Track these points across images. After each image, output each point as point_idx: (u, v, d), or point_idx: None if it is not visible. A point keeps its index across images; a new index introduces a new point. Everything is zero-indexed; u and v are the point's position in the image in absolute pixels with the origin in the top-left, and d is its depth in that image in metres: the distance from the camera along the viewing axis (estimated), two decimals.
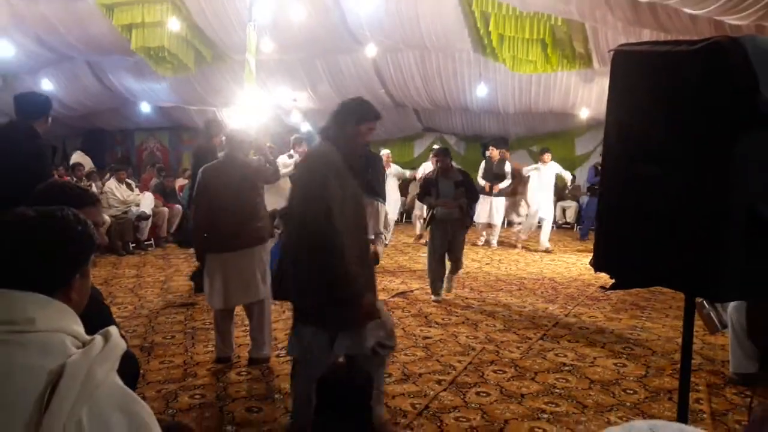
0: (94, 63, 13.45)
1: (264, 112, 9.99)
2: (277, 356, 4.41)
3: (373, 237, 4.76)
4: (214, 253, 4.15)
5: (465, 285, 7.08)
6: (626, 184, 2.02)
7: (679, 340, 4.85)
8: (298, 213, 2.64)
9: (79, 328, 1.24)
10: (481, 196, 9.21)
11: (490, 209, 9.80)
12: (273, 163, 4.96)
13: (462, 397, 3.76)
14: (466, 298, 6.41)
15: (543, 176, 9.83)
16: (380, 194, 8.17)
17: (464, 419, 3.43)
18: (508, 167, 9.86)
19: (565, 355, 4.57)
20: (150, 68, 12.38)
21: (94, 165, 13.27)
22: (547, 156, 9.72)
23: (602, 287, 6.81)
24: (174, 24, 9.70)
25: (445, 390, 3.85)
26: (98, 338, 1.19)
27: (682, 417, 2.18)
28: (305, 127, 14.45)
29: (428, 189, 6.38)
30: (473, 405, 3.64)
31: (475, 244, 10.12)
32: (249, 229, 4.14)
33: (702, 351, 4.66)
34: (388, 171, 8.92)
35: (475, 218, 9.11)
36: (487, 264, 8.63)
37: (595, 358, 4.51)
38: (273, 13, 9.31)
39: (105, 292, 6.21)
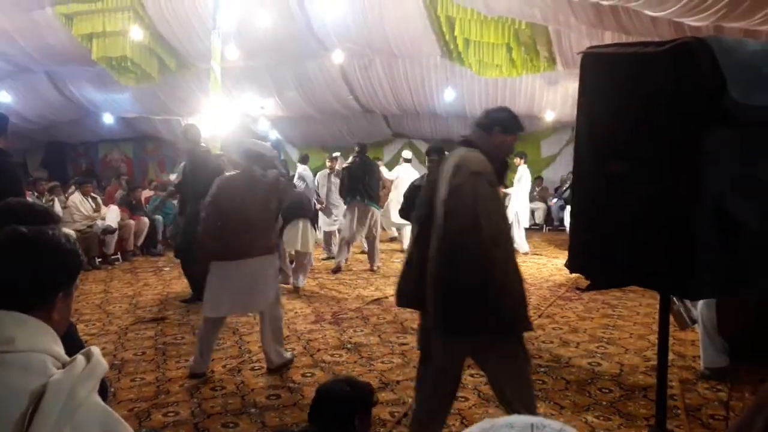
0: (54, 74, 13.12)
1: (230, 120, 9.87)
2: (252, 369, 4.33)
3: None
4: (221, 261, 4.13)
5: None
6: (598, 184, 2.03)
7: (651, 338, 4.96)
8: (466, 218, 2.33)
9: (59, 348, 1.23)
10: None
11: None
12: (286, 176, 4.98)
13: None
14: None
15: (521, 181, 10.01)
16: (376, 200, 8.18)
17: (444, 425, 3.41)
18: None
19: (540, 356, 4.60)
20: (112, 78, 12.13)
21: (57, 179, 12.95)
22: (517, 160, 9.80)
23: (578, 288, 6.88)
24: (136, 33, 9.54)
25: None
26: (80, 357, 1.18)
27: (660, 413, 2.19)
28: (273, 134, 14.34)
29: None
30: (452, 411, 3.61)
31: None
32: (258, 240, 4.16)
33: (673, 347, 4.72)
34: None
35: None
36: None
37: (569, 359, 4.55)
38: (237, 20, 9.22)
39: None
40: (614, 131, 1.99)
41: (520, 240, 9.89)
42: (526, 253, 9.68)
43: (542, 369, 4.32)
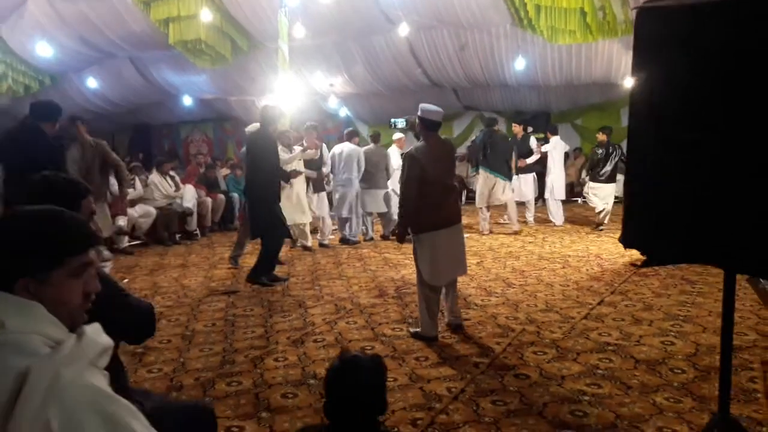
0: (137, 59, 13.73)
1: (300, 98, 9.99)
2: (314, 341, 4.41)
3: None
4: (439, 230, 4.30)
5: (506, 265, 6.94)
6: (657, 154, 1.88)
7: (734, 315, 4.63)
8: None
9: (56, 328, 1.22)
10: None
11: (519, 186, 9.64)
12: None
13: (500, 380, 3.67)
14: (507, 279, 6.27)
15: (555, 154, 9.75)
16: (500, 171, 9.15)
17: (501, 403, 3.35)
18: (533, 143, 9.70)
19: (609, 334, 4.41)
20: (189, 61, 12.54)
21: (143, 159, 13.64)
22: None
23: (633, 264, 6.56)
24: (206, 15, 9.76)
25: (482, 373, 3.77)
26: (70, 339, 1.17)
27: (724, 397, 2.04)
28: (343, 112, 14.43)
29: None
30: (512, 388, 3.54)
31: (498, 223, 10.03)
32: (457, 205, 4.55)
33: (757, 327, 4.42)
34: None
35: (500, 197, 8.96)
36: (530, 242, 8.44)
37: (641, 337, 4.34)
38: None
39: (149, 282, 6.38)
40: (674, 93, 1.82)
41: (555, 211, 9.64)
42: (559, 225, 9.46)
43: (610, 347, 4.15)
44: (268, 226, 6.06)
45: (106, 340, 1.24)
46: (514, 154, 9.45)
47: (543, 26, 9.46)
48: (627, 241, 2.00)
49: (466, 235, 5.36)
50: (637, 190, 1.97)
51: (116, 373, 2.00)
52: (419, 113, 4.40)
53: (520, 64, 10.67)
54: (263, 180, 6.03)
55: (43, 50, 11.03)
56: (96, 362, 1.20)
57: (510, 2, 9.51)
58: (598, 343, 4.25)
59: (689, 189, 1.77)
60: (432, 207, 4.27)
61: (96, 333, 1.22)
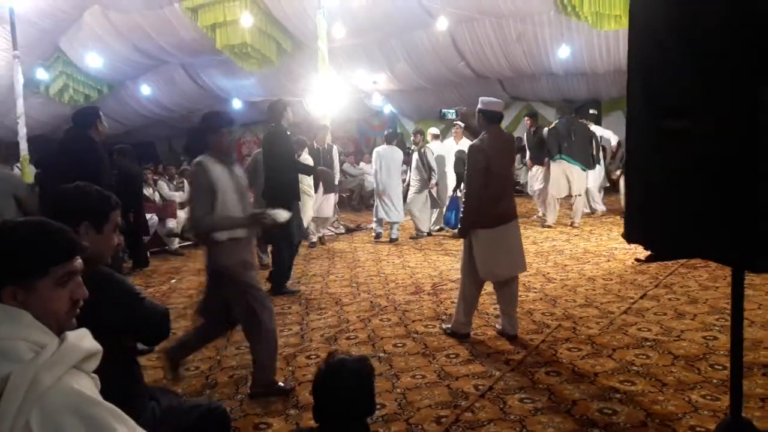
0: (188, 65, 14.19)
1: (342, 96, 10.09)
2: (347, 339, 4.46)
3: None
4: (498, 226, 4.23)
5: (549, 259, 6.80)
6: (653, 143, 1.81)
7: None
8: None
9: (43, 335, 1.27)
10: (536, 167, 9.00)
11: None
12: None
13: (530, 377, 3.61)
14: (548, 273, 6.15)
15: None
16: (579, 160, 8.93)
17: (529, 400, 3.30)
18: (613, 139, 9.51)
19: (649, 329, 4.27)
20: (237, 65, 12.86)
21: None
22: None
23: (638, 259, 6.29)
24: (247, 19, 10.00)
25: (512, 370, 3.72)
26: (52, 343, 1.22)
27: (736, 400, 1.95)
28: (387, 109, 14.46)
29: None
30: (541, 385, 3.48)
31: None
32: (514, 199, 4.47)
33: None
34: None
35: (578, 187, 8.74)
36: (576, 235, 8.23)
37: (682, 332, 4.18)
38: None
39: (196, 282, 6.57)
40: (669, 80, 1.75)
41: (598, 199, 9.70)
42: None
43: (648, 343, 4.01)
44: (283, 233, 5.66)
45: (91, 345, 1.29)
46: (594, 142, 9.07)
47: (587, 12, 9.20)
48: (629, 235, 1.94)
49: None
50: (636, 183, 1.90)
51: (130, 373, 2.09)
52: (480, 106, 4.29)
53: (564, 51, 10.41)
54: (283, 180, 5.77)
55: (94, 61, 11.53)
56: (81, 366, 1.25)
57: None
58: (636, 338, 4.12)
59: (683, 182, 1.70)
60: (493, 200, 4.17)
61: (79, 338, 1.27)
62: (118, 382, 1.89)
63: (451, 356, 4.01)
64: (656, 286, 5.34)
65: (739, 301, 1.88)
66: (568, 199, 9.16)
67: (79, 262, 1.40)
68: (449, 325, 4.46)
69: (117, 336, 1.94)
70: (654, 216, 1.87)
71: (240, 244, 3.45)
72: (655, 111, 1.80)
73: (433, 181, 8.50)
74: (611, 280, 5.73)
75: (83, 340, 1.28)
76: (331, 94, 9.09)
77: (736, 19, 1.54)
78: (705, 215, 1.72)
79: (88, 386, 1.25)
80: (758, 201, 1.52)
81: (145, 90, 14.11)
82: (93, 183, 3.14)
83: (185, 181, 8.94)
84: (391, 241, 8.45)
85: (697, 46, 1.66)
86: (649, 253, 5.81)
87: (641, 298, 5.03)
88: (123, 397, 1.74)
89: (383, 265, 6.99)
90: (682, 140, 1.74)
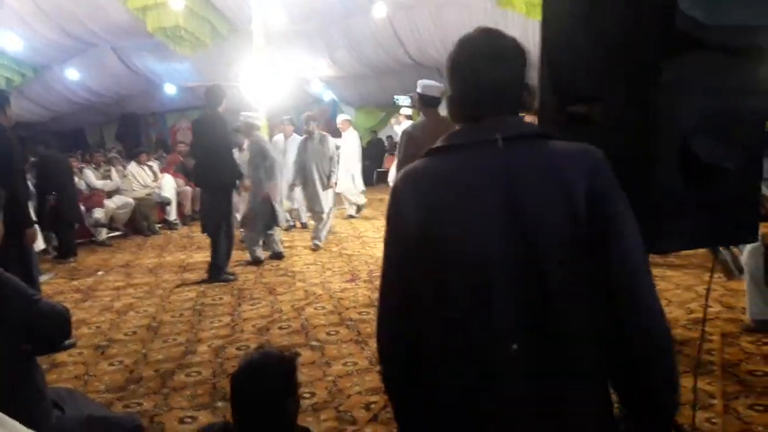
0: (119, 48, 13.58)
1: (280, 82, 9.89)
2: (279, 329, 4.39)
3: None
4: None
5: None
6: (562, 129, 1.83)
7: (699, 289, 4.63)
8: None
9: None
10: None
11: None
12: None
13: None
14: None
15: None
16: None
17: None
18: None
19: None
20: (170, 49, 12.40)
21: (130, 149, 13.55)
22: None
23: None
24: (179, 2, 9.64)
25: None
26: None
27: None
28: (327, 95, 14.32)
29: None
30: None
31: None
32: None
33: (722, 298, 4.40)
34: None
35: None
36: None
37: None
38: None
39: (123, 274, 6.36)
40: (574, 67, 1.77)
41: None
42: None
43: None
44: (218, 223, 5.70)
45: None
46: None
47: (521, 2, 9.34)
48: None
49: None
50: None
51: (27, 378, 1.95)
52: (418, 89, 4.20)
53: None
54: (215, 167, 5.61)
55: (13, 43, 10.90)
56: None
57: None
58: None
59: None
60: None
61: None
62: (11, 388, 1.78)
63: None
64: None
65: None
66: None
67: None
68: None
69: (8, 339, 1.81)
70: None
71: None
72: (562, 97, 1.82)
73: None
74: None
75: None
76: (268, 79, 8.90)
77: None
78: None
79: None
80: (656, 184, 1.56)
81: (73, 74, 13.43)
82: (5, 169, 2.97)
83: (112, 169, 8.61)
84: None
85: (598, 30, 1.68)
86: None
87: None
88: (16, 404, 1.64)
89: (320, 253, 6.93)
90: (587, 126, 1.77)
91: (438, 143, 1.27)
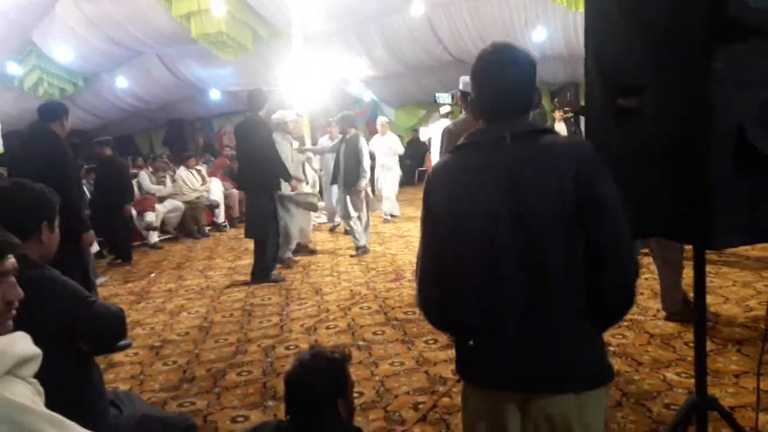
0: (164, 55, 13.96)
1: (319, 84, 9.99)
2: (327, 328, 4.44)
3: None
4: None
5: None
6: (609, 124, 1.80)
7: (758, 285, 4.45)
8: None
9: None
10: None
11: None
12: None
13: None
14: None
15: None
16: None
17: None
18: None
19: None
20: (214, 54, 12.67)
21: (177, 153, 13.93)
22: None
23: None
24: (220, 8, 9.84)
25: None
26: None
27: (701, 378, 1.96)
28: (367, 96, 14.36)
29: None
30: None
31: None
32: None
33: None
34: None
35: None
36: None
37: (658, 310, 4.21)
38: None
39: (175, 276, 6.53)
40: (622, 59, 1.74)
41: None
42: None
43: (624, 323, 4.04)
44: (264, 225, 5.74)
45: (25, 349, 1.23)
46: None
47: None
48: None
49: None
50: None
51: (85, 378, 2.02)
52: (460, 86, 4.14)
53: (540, 34, 10.37)
54: (258, 170, 5.68)
55: (65, 54, 11.32)
56: (16, 372, 1.20)
57: None
58: None
59: (638, 161, 1.70)
60: None
61: (10, 343, 1.22)
62: (70, 387, 1.85)
63: (430, 342, 4.01)
64: None
65: (701, 279, 1.88)
66: None
67: (11, 261, 1.33)
68: None
69: (67, 340, 1.88)
70: None
71: None
72: (610, 90, 1.78)
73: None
74: None
75: (15, 344, 1.23)
76: (308, 81, 8.99)
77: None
78: (663, 194, 1.72)
79: (23, 393, 1.20)
80: (711, 177, 1.51)
81: (122, 82, 13.88)
82: (60, 177, 3.10)
83: (167, 176, 8.86)
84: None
85: (646, 20, 1.64)
86: None
87: None
88: (76, 404, 1.70)
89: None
90: (637, 118, 1.73)
91: (460, 141, 1.62)
